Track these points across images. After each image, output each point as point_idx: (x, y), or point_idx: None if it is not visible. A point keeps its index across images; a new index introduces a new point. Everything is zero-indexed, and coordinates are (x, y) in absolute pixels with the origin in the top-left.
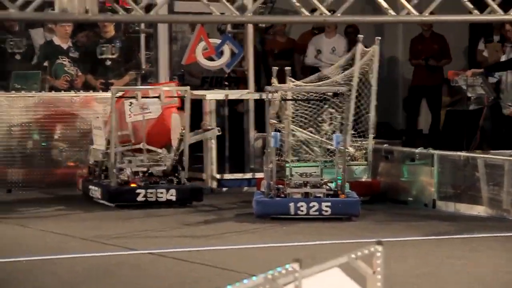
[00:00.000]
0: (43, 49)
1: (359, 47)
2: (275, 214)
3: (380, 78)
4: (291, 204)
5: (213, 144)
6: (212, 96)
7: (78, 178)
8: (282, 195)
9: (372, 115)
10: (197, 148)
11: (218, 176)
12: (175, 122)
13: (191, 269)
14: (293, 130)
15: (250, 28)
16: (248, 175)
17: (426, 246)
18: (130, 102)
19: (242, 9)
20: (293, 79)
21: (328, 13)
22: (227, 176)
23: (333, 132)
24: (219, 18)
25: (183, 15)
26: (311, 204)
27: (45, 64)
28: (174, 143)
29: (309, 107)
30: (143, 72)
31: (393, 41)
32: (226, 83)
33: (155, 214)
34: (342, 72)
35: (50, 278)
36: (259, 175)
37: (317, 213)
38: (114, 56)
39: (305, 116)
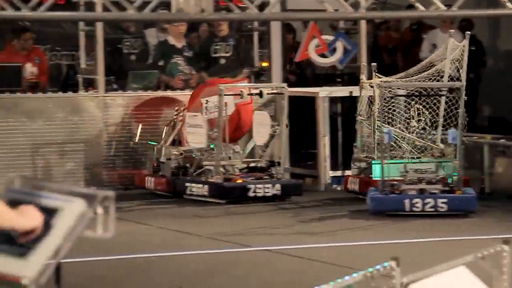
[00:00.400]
0: (158, 49)
1: (451, 42)
2: (390, 210)
3: (496, 72)
4: (406, 201)
5: (326, 141)
6: (325, 93)
7: (142, 176)
8: (397, 192)
9: (461, 111)
10: (311, 145)
11: (331, 173)
12: (261, 119)
13: (307, 266)
14: (379, 127)
15: (363, 24)
16: None
17: None
18: (206, 100)
19: (355, 5)
20: (380, 75)
21: (444, 7)
22: (340, 173)
23: (423, 128)
24: (332, 15)
25: (297, 12)
26: (426, 201)
27: (160, 63)
28: (261, 139)
29: (397, 103)
30: (257, 69)
31: (509, 34)
32: (338, 79)
33: (264, 210)
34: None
35: (167, 274)
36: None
37: (432, 209)
38: (227, 55)
39: (393, 113)
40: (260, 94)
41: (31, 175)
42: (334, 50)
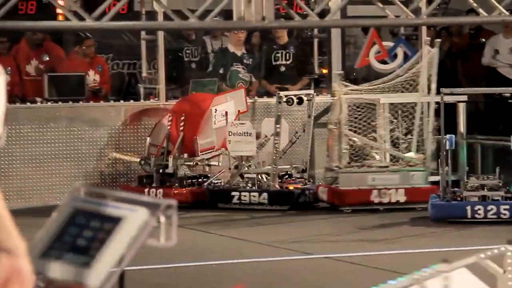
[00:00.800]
0: (217, 57)
1: (425, 49)
2: (452, 217)
3: None
4: (468, 208)
5: (387, 147)
6: (386, 99)
7: None
8: (458, 199)
9: (431, 120)
10: None
11: None
12: (284, 127)
13: (369, 274)
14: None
15: (424, 30)
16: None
17: None
18: (215, 109)
19: (416, 11)
20: (347, 84)
21: (507, 13)
22: None
23: (393, 137)
24: (394, 21)
25: (357, 19)
26: (489, 207)
27: (220, 71)
28: (281, 146)
29: (364, 111)
30: (317, 77)
31: None
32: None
33: (324, 216)
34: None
35: (228, 282)
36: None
37: (495, 216)
38: (287, 62)
39: (359, 121)
40: (300, 101)
41: (95, 184)
42: (394, 56)
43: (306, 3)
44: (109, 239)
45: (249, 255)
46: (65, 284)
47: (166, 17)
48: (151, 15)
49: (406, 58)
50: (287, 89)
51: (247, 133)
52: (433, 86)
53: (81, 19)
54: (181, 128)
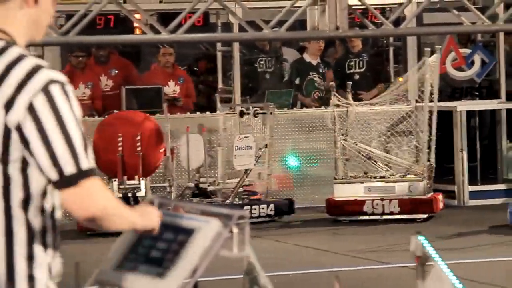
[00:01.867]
0: (294, 67)
1: (426, 60)
2: None
3: None
4: None
5: (464, 155)
6: (463, 107)
7: None
8: None
9: (433, 127)
10: (448, 159)
11: (469, 187)
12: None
13: None
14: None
15: (501, 37)
16: (502, 186)
17: None
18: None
19: (493, 17)
20: (338, 96)
21: None
22: (478, 188)
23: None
24: (470, 28)
25: (433, 27)
26: None
27: (296, 81)
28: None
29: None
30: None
31: None
32: (476, 93)
33: (397, 226)
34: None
35: None
36: None
37: None
38: (362, 70)
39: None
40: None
41: (169, 196)
42: (471, 64)
43: (381, 11)
44: (183, 251)
45: (324, 265)
46: None
47: (241, 28)
48: (227, 26)
49: (484, 65)
50: (361, 99)
51: (248, 146)
52: (435, 97)
53: (157, 32)
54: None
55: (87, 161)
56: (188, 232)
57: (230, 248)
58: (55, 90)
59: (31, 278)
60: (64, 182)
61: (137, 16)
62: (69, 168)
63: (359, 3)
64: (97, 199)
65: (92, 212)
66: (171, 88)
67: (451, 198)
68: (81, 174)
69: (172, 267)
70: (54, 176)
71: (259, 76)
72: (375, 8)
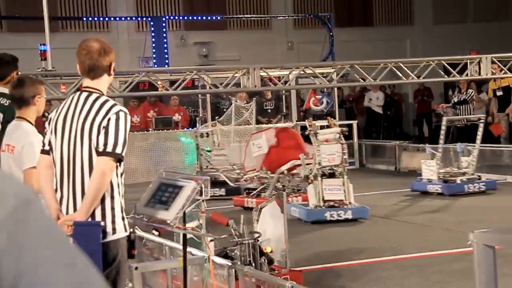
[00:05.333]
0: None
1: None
2: None
3: None
4: None
5: None
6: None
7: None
8: None
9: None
10: None
11: None
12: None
13: None
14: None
15: (336, 89)
16: None
17: None
18: (253, 143)
19: (331, 79)
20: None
21: None
22: None
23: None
24: (318, 86)
25: (303, 84)
26: None
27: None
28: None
29: None
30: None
31: None
32: (325, 116)
33: None
34: None
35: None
36: None
37: None
38: (272, 107)
39: None
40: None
41: (172, 170)
42: (321, 103)
43: (278, 78)
44: (177, 197)
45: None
46: (155, 219)
47: (210, 87)
48: (203, 86)
49: (328, 103)
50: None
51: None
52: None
53: (166, 89)
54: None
55: (119, 150)
56: (180, 187)
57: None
58: (121, 114)
59: (112, 208)
60: (102, 152)
61: (159, 82)
62: (109, 148)
63: (267, 74)
64: (108, 168)
65: (104, 170)
66: (177, 117)
67: None
68: (111, 154)
69: (172, 205)
70: (101, 148)
71: (219, 110)
72: (274, 77)
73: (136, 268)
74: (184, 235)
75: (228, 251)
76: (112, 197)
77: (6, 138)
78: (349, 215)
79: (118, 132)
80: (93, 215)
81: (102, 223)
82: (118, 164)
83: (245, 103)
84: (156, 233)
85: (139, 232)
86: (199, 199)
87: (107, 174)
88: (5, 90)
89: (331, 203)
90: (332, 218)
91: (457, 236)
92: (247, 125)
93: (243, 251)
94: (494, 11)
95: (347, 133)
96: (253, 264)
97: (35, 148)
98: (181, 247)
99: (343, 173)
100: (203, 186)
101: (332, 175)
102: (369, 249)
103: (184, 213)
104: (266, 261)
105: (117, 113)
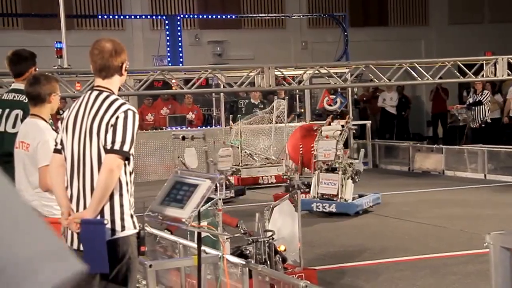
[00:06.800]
0: (247, 104)
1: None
2: None
3: None
4: None
5: None
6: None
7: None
8: None
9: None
10: None
11: None
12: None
13: None
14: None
15: (349, 89)
16: None
17: None
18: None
19: (345, 80)
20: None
21: None
22: None
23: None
24: (333, 85)
25: (316, 84)
26: None
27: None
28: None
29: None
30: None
31: None
32: (338, 116)
33: None
34: None
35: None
36: None
37: None
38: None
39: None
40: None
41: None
42: (335, 102)
43: (292, 77)
44: (192, 195)
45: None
46: (171, 218)
47: (224, 86)
48: (217, 85)
49: (341, 103)
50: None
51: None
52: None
53: (181, 88)
54: (301, 152)
55: (127, 148)
56: (195, 186)
57: (215, 193)
58: (129, 113)
59: (121, 205)
60: (110, 150)
61: (174, 80)
62: (116, 146)
63: (281, 74)
64: (116, 166)
65: (111, 167)
66: (190, 115)
67: None
68: (118, 151)
69: (187, 203)
70: (109, 146)
71: (233, 109)
72: (289, 76)
73: (151, 266)
74: (199, 234)
75: (243, 250)
76: (121, 195)
77: (21, 135)
78: (333, 209)
79: (126, 131)
80: (102, 212)
81: (106, 221)
82: (126, 162)
83: (258, 102)
84: (168, 232)
85: (152, 230)
86: (213, 198)
87: (115, 171)
88: (22, 87)
89: (325, 196)
90: (318, 210)
91: (473, 238)
92: (279, 124)
93: (258, 249)
94: (509, 12)
95: (354, 132)
96: (268, 263)
97: (50, 146)
98: (195, 245)
99: (347, 169)
100: (218, 185)
101: (333, 170)
102: (382, 249)
103: (199, 211)
104: (280, 260)
105: (125, 112)
